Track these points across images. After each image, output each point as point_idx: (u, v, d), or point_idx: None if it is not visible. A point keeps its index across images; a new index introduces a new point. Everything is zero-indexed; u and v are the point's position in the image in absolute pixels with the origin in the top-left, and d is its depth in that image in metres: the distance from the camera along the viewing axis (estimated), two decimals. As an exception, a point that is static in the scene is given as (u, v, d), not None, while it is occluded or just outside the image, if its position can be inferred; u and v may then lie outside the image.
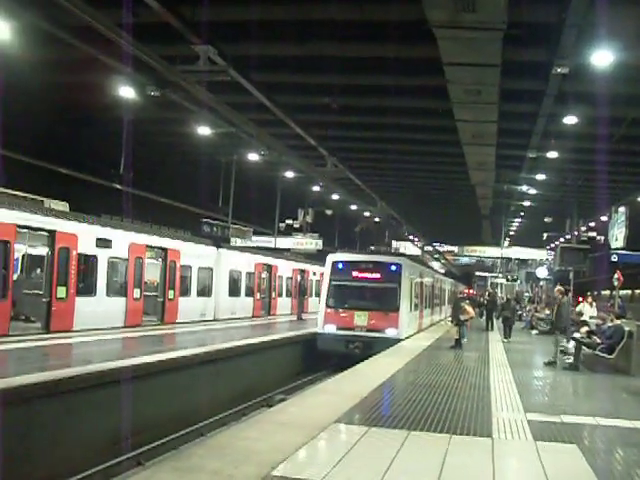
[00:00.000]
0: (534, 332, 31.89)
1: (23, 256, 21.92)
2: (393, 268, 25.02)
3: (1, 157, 20.19)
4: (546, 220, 50.10)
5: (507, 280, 66.85)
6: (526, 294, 59.98)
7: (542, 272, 52.28)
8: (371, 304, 24.71)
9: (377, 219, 44.39)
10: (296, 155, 27.22)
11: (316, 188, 36.55)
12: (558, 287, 20.65)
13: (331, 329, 24.38)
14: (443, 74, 17.16)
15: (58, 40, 15.04)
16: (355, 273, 25.27)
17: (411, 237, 54.68)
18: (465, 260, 78.24)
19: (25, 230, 18.46)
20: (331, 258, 25.97)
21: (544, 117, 21.58)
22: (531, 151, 26.24)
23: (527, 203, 41.02)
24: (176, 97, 17.55)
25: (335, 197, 38.66)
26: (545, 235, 53.46)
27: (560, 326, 18.80)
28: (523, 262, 71.23)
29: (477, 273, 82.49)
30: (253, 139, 23.78)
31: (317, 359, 24.49)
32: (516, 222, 53.60)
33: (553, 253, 50.51)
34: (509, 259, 65.11)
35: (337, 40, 17.11)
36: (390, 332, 23.56)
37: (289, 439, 8.04)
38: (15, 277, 18.95)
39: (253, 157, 28.51)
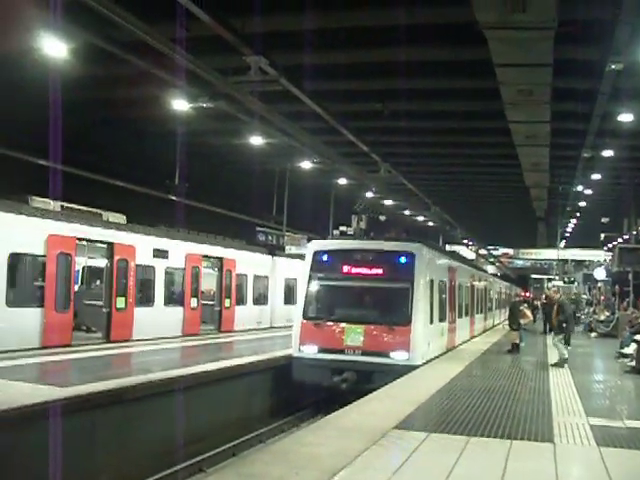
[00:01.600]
0: (593, 335, 31.29)
1: (83, 268, 22.42)
2: (403, 260, 17.14)
3: (60, 172, 20.68)
4: (603, 220, 49.20)
5: (564, 282, 65.71)
6: (584, 296, 58.84)
7: (600, 273, 51.26)
8: (369, 314, 17.30)
9: (431, 223, 44.06)
10: (349, 162, 27.27)
11: (369, 194, 36.56)
12: (552, 287, 21.03)
13: (311, 351, 16.88)
14: (495, 75, 17.03)
15: (112, 56, 15.39)
16: (346, 268, 17.56)
17: (465, 241, 54.12)
18: (520, 263, 77.29)
19: (84, 242, 18.88)
20: (313, 246, 18.38)
21: (598, 116, 21.21)
22: (586, 150, 25.80)
23: (583, 203, 40.31)
24: (229, 108, 17.77)
25: (388, 203, 38.58)
26: (602, 235, 52.47)
27: (566, 327, 18.81)
28: (580, 263, 70.10)
29: (533, 276, 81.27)
30: (306, 147, 23.90)
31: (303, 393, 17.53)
32: (572, 223, 52.69)
33: (611, 254, 49.56)
34: (565, 261, 64.09)
35: (387, 46, 17.14)
36: (398, 356, 16.26)
37: (350, 445, 8.07)
38: (76, 288, 19.40)
39: (306, 165, 28.67)
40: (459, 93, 21.35)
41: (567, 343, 22.64)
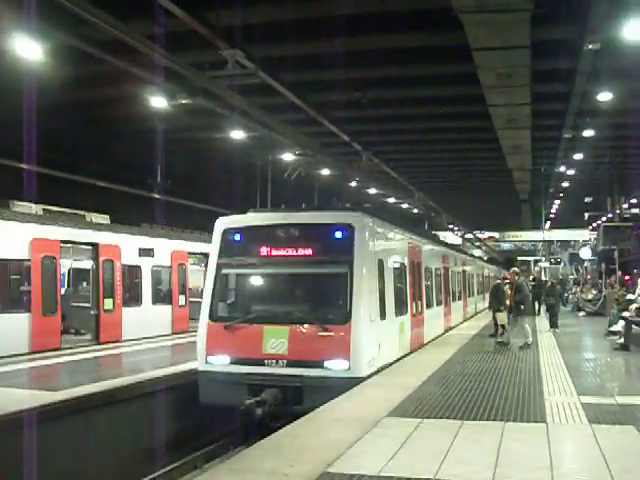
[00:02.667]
0: (581, 314, 31.50)
1: (69, 270, 22.33)
2: (338, 235, 13.04)
3: (40, 175, 20.53)
4: (587, 200, 49.56)
5: (550, 263, 66.04)
6: (571, 276, 59.18)
7: (586, 253, 51.54)
8: (296, 310, 12.99)
9: (415, 210, 44.08)
10: (331, 152, 27.23)
11: (353, 184, 36.50)
12: (513, 269, 20.56)
13: (221, 362, 12.81)
14: (472, 60, 17.03)
15: (88, 56, 15.25)
16: (265, 250, 13.36)
17: (451, 226, 54.25)
18: (507, 246, 77.60)
19: (69, 245, 18.79)
20: (221, 224, 13.93)
21: (578, 96, 21.30)
22: (567, 131, 25.92)
23: (566, 184, 40.48)
24: (207, 103, 17.67)
25: (372, 191, 38.56)
26: (587, 215, 52.79)
27: (522, 309, 18.43)
28: (565, 244, 70.48)
29: (519, 258, 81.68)
30: (287, 139, 23.83)
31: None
32: (556, 204, 52.96)
33: (596, 233, 49.87)
34: (551, 242, 64.42)
35: (362, 34, 17.07)
36: (334, 365, 12.26)
37: (343, 435, 8.06)
38: (63, 291, 19.31)
39: (288, 157, 28.60)
40: (437, 79, 21.32)
41: (554, 326, 22.78)
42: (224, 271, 13.68)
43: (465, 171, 42.53)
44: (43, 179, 20.60)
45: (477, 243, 62.16)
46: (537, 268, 64.32)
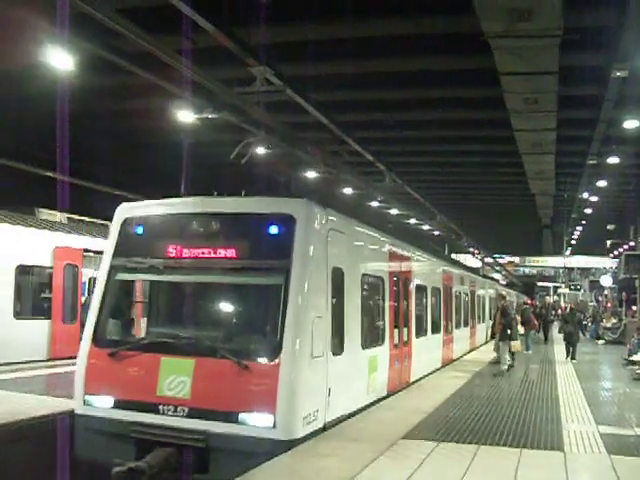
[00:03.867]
0: (600, 342, 31.20)
1: (90, 279, 22.44)
2: (273, 230, 9.37)
3: (67, 184, 20.74)
4: (609, 227, 49.15)
5: (570, 289, 65.62)
6: (590, 303, 58.74)
7: (606, 280, 51.15)
8: (206, 337, 9.47)
9: (437, 232, 44.01)
10: (354, 171, 27.29)
11: (375, 203, 36.52)
12: (499, 293, 20.33)
13: (103, 404, 9.26)
14: (499, 84, 17.04)
15: (118, 68, 15.43)
16: (172, 249, 9.70)
17: (471, 250, 54.09)
18: (527, 271, 77.16)
19: (92, 254, 18.93)
20: (122, 212, 10.35)
21: (604, 123, 21.20)
22: (591, 158, 25.78)
23: (588, 210, 40.25)
24: (234, 119, 17.79)
25: (394, 212, 38.56)
26: (608, 242, 52.41)
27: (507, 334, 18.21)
28: (586, 271, 69.97)
29: (539, 283, 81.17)
30: (311, 157, 23.92)
31: None
32: (578, 230, 52.69)
33: (617, 261, 49.47)
34: (571, 268, 64.00)
35: (391, 56, 17.16)
36: (254, 421, 8.52)
37: (359, 455, 8.05)
38: (83, 300, 19.43)
39: (311, 175, 28.68)
40: (464, 102, 21.35)
41: (572, 357, 21.26)
42: (119, 276, 9.96)
43: (488, 195, 42.42)
44: (68, 188, 20.79)
45: (496, 267, 61.79)
46: (544, 294, 64.00)
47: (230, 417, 8.47)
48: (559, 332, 26.43)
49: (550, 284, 76.57)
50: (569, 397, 13.57)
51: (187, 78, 14.26)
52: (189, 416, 8.61)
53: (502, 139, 24.32)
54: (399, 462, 7.91)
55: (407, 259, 15.32)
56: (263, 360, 8.80)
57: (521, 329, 21.89)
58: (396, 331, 13.59)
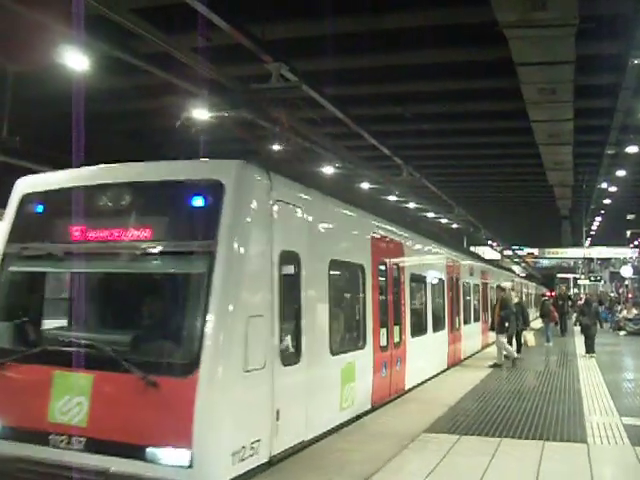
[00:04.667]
0: (622, 333, 31.02)
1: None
2: (197, 202, 7.10)
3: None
4: (629, 217, 48.80)
5: (590, 280, 65.24)
6: (611, 294, 58.37)
7: (627, 271, 50.79)
8: (110, 344, 6.90)
9: (455, 225, 43.84)
10: (371, 166, 27.23)
11: (392, 197, 36.45)
12: (498, 286, 19.66)
13: None
14: (516, 75, 16.94)
15: (134, 68, 15.49)
16: (76, 230, 7.40)
17: (490, 242, 53.89)
18: (546, 262, 76.70)
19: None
20: (22, 186, 8.25)
21: (621, 112, 21.03)
22: (610, 147, 25.57)
23: (607, 201, 39.94)
24: (250, 116, 17.81)
25: (411, 205, 38.46)
26: (628, 233, 52.04)
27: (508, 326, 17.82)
28: (606, 261, 69.48)
29: (559, 275, 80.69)
30: (327, 152, 23.88)
31: None
32: (597, 221, 52.34)
33: (638, 251, 49.19)
34: (591, 259, 63.58)
35: (406, 49, 17.10)
36: (165, 458, 6.30)
37: (381, 449, 8.07)
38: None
39: (328, 170, 28.67)
40: (479, 94, 21.22)
41: (591, 350, 20.15)
42: (13, 267, 7.89)
43: (506, 187, 42.23)
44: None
45: (515, 259, 61.46)
46: (560, 282, 63.54)
47: (135, 452, 6.35)
48: (574, 324, 25.86)
49: (570, 275, 76.07)
50: (591, 389, 13.51)
51: (204, 76, 14.29)
52: (86, 450, 6.52)
53: (519, 130, 24.17)
54: (422, 455, 7.91)
55: (397, 244, 12.89)
56: (176, 375, 6.50)
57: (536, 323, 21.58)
58: (383, 331, 11.38)
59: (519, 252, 61.98)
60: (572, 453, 8.17)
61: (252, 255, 7.21)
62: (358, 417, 9.94)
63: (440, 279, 17.00)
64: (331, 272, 9.17)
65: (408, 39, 16.46)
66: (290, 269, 7.91)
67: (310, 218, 8.63)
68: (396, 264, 12.58)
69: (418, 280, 14.54)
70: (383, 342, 11.32)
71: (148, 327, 7.58)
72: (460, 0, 14.49)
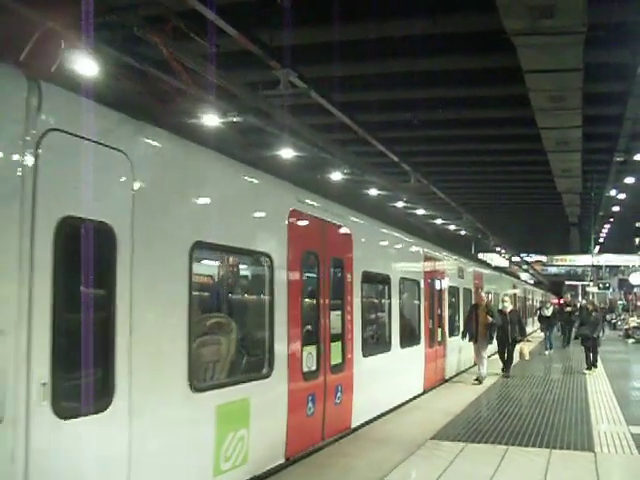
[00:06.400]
0: (630, 341, 30.88)
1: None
2: None
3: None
4: (638, 225, 48.63)
5: (599, 288, 65.04)
6: (620, 302, 58.13)
7: (636, 279, 50.55)
8: None
9: (463, 232, 43.72)
10: (379, 172, 27.23)
11: (400, 204, 36.42)
12: (481, 292, 17.69)
13: None
14: (524, 82, 16.94)
15: (143, 74, 15.54)
16: None
17: (498, 249, 53.79)
18: (554, 270, 76.45)
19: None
20: None
21: (630, 119, 21.02)
22: (618, 154, 25.54)
23: (616, 208, 39.82)
24: (259, 122, 17.84)
25: (420, 212, 38.42)
26: (637, 240, 51.84)
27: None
28: (614, 269, 69.19)
29: (567, 282, 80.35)
30: (336, 159, 23.86)
31: None
32: (605, 228, 52.16)
33: (647, 258, 49.02)
34: (600, 267, 63.36)
35: (414, 55, 17.12)
36: None
37: (387, 456, 8.04)
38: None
39: (336, 177, 28.63)
40: (488, 101, 21.23)
41: (591, 365, 17.90)
42: None
43: (514, 193, 42.20)
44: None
45: (523, 266, 61.27)
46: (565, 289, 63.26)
47: None
48: (575, 338, 23.54)
49: (578, 283, 75.79)
50: (598, 397, 13.44)
51: (212, 82, 14.32)
52: None
53: (527, 137, 24.17)
54: (428, 462, 7.89)
55: (337, 227, 9.47)
56: None
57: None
58: (308, 350, 8.12)
59: (527, 259, 61.85)
60: (579, 462, 8.13)
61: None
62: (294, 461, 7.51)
63: (414, 281, 13.71)
64: (198, 263, 6.35)
65: (416, 46, 16.48)
66: (84, 253, 4.62)
67: (149, 172, 5.45)
68: (339, 258, 9.30)
69: (377, 282, 11.60)
70: (308, 366, 8.07)
71: None
72: (468, 8, 14.50)
